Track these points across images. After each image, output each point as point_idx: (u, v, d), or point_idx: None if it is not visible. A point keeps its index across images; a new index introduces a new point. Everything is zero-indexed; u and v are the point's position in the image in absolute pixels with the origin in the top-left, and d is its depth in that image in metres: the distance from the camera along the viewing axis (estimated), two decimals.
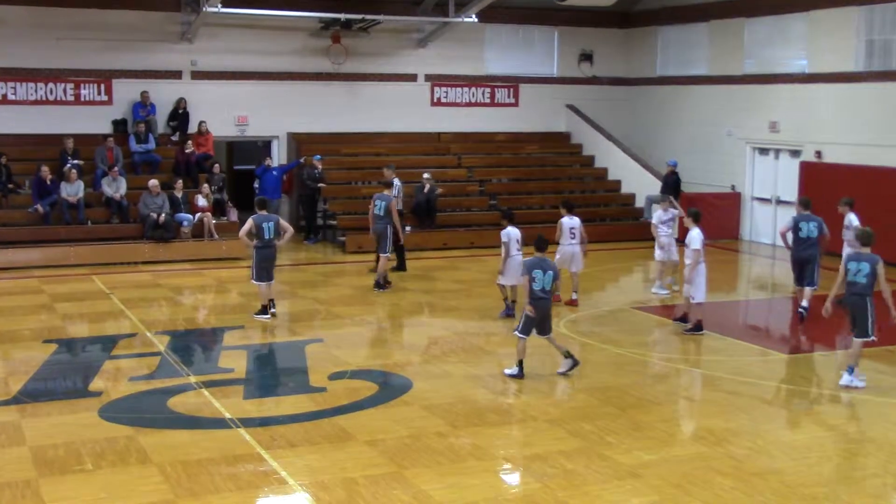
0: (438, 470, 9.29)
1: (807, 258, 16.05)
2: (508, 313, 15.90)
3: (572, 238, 16.89)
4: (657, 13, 28.35)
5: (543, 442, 10.12)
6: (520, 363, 12.41)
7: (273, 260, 15.86)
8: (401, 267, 20.08)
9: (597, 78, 29.04)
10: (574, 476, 9.16)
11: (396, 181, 20.67)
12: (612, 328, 15.47)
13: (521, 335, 12.37)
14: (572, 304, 17.00)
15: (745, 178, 25.50)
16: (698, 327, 14.81)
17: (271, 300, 15.92)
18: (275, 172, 24.50)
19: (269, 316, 15.71)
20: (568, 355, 12.56)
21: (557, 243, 16.81)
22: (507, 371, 12.51)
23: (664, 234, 17.87)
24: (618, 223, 25.94)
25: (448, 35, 26.61)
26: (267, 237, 15.60)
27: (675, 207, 18.31)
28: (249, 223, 15.64)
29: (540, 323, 12.37)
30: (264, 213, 15.87)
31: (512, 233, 15.81)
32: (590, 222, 25.40)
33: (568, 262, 16.94)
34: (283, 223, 15.90)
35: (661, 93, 28.21)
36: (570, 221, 16.88)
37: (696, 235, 14.68)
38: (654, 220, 18.26)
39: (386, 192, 18.82)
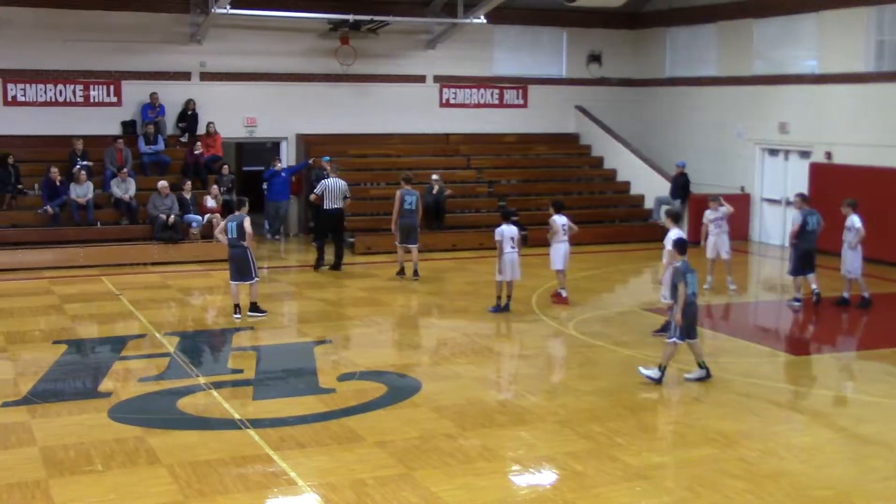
0: (448, 471, 9.28)
1: (812, 249, 16.97)
2: (497, 309, 16.02)
3: (564, 236, 17.12)
4: (666, 14, 28.32)
5: (552, 443, 10.11)
6: (662, 367, 12.23)
7: (237, 260, 15.74)
8: (337, 266, 20.54)
9: (605, 79, 29.02)
10: (583, 478, 9.14)
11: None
12: (621, 329, 15.45)
13: (678, 340, 12.21)
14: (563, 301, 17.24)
15: (754, 179, 25.46)
16: (666, 328, 14.78)
17: (252, 303, 15.83)
18: (283, 174, 24.54)
19: (238, 317, 15.71)
20: (702, 366, 12.39)
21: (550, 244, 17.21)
22: (647, 372, 12.32)
23: (714, 232, 18.17)
24: (627, 224, 25.92)
25: (457, 36, 26.61)
26: (230, 237, 15.66)
27: (723, 205, 18.40)
28: (222, 223, 16.06)
29: (689, 327, 12.27)
30: (235, 213, 15.94)
31: (506, 231, 16.03)
32: (599, 223, 25.60)
33: (562, 260, 17.15)
34: (246, 225, 15.57)
35: (671, 94, 28.17)
36: (561, 219, 17.11)
37: (672, 236, 14.63)
38: (704, 220, 18.50)
39: (410, 187, 19.86)
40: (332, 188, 20.25)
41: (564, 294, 17.22)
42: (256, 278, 15.97)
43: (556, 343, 14.75)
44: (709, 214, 18.36)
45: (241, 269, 15.78)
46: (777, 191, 24.90)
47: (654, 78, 28.78)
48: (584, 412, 11.10)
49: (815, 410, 11.62)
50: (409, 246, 19.72)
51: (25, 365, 13.04)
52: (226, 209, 22.68)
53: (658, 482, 9.05)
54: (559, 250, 17.06)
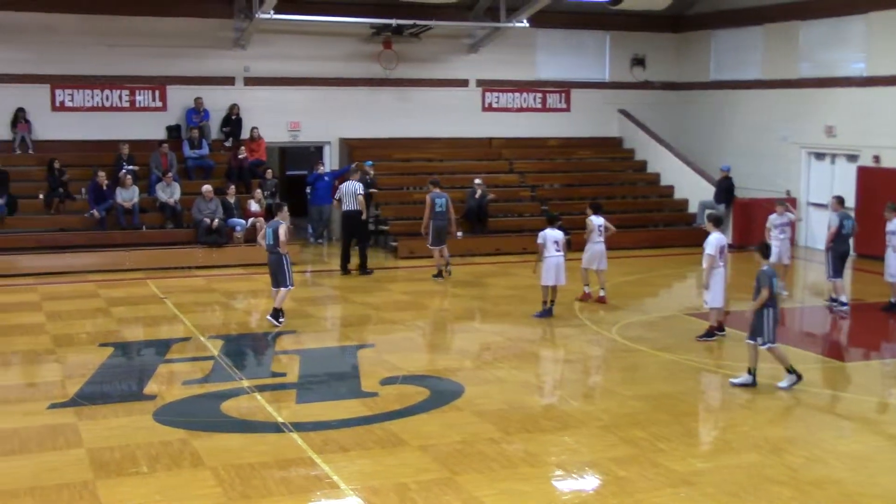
0: (491, 476, 9.27)
1: (848, 251, 17.32)
2: (544, 314, 15.99)
3: (600, 237, 17.30)
4: (710, 17, 28.12)
5: (595, 449, 10.06)
6: (752, 371, 12.17)
7: (272, 266, 15.70)
8: (363, 269, 20.69)
9: (649, 82, 28.88)
10: (626, 483, 9.09)
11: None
12: (665, 334, 15.34)
13: (769, 344, 12.15)
14: (601, 300, 17.37)
15: (800, 183, 25.19)
16: (710, 333, 14.71)
17: (274, 309, 15.70)
18: (326, 178, 24.64)
19: (279, 322, 15.67)
20: (791, 370, 12.31)
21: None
22: (737, 380, 12.23)
23: (778, 237, 18.12)
24: (670, 229, 25.74)
25: (499, 40, 26.60)
26: (267, 242, 15.65)
27: (790, 211, 18.39)
28: (263, 228, 16.10)
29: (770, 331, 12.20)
30: (273, 219, 15.95)
31: (549, 234, 16.03)
32: (641, 228, 25.46)
33: (597, 260, 17.31)
34: (281, 231, 15.49)
35: (715, 97, 27.96)
36: (598, 220, 17.33)
37: (712, 240, 14.53)
38: (768, 224, 18.49)
39: (439, 190, 20.27)
40: (347, 190, 20.51)
41: (589, 291, 17.56)
42: (290, 286, 15.80)
43: (599, 348, 14.68)
44: (774, 219, 18.33)
45: (276, 275, 15.72)
46: (823, 195, 24.55)
47: (697, 81, 28.58)
48: (627, 417, 11.04)
49: (864, 417, 11.46)
50: (444, 248, 20.18)
51: (73, 367, 13.19)
52: (269, 213, 22.83)
53: (701, 488, 8.98)
54: (593, 250, 17.25)
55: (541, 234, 16.23)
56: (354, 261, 20.69)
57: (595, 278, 17.59)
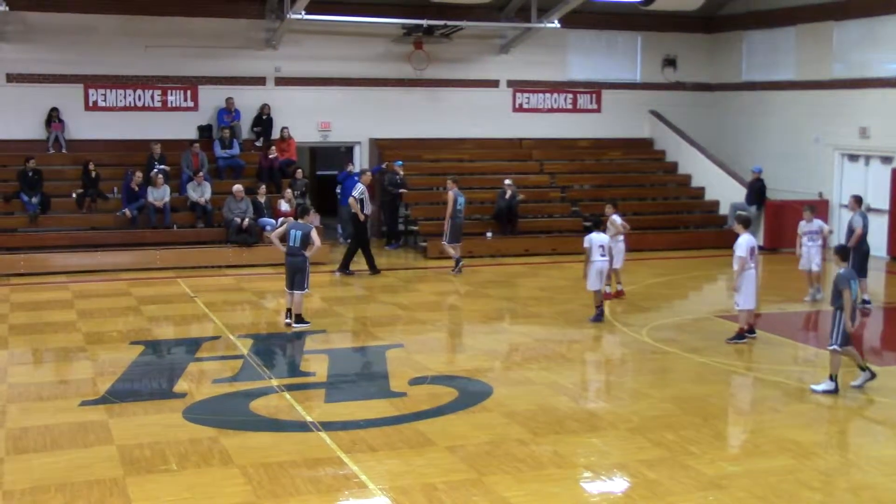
0: (519, 477, 9.24)
1: (869, 250, 17.54)
2: (598, 319, 15.89)
3: (620, 237, 17.46)
4: (743, 17, 27.94)
5: (625, 451, 10.02)
6: (834, 377, 12.04)
7: (295, 269, 15.48)
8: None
9: (680, 83, 28.75)
10: (656, 486, 9.04)
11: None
12: (695, 336, 15.26)
13: (840, 347, 12.07)
14: (620, 295, 17.67)
15: (833, 185, 24.98)
16: (741, 335, 14.60)
17: (296, 315, 15.57)
18: (356, 178, 24.66)
19: (288, 321, 15.57)
20: (864, 368, 12.22)
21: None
22: (819, 387, 12.09)
23: (806, 244, 17.98)
24: (701, 230, 25.59)
25: (530, 41, 26.56)
26: (291, 244, 15.51)
27: (817, 220, 18.26)
28: (283, 227, 15.93)
29: (844, 333, 12.14)
30: (300, 221, 15.82)
31: (595, 238, 15.83)
32: (672, 229, 25.34)
33: (615, 259, 17.25)
34: (314, 236, 15.46)
35: (747, 98, 27.78)
36: (618, 218, 17.47)
37: (742, 242, 14.42)
38: (799, 231, 18.32)
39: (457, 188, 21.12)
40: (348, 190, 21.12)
41: (617, 289, 17.67)
42: (307, 290, 15.74)
43: (629, 349, 14.61)
44: (802, 226, 18.17)
45: (297, 278, 15.49)
46: None
47: (729, 82, 28.42)
48: (657, 419, 10.99)
49: None
50: (458, 245, 21.16)
51: (104, 365, 13.29)
52: (300, 213, 22.89)
53: (732, 492, 8.91)
54: (616, 248, 17.22)
55: (587, 238, 16.06)
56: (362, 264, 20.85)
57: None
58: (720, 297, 19.89)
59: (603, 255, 15.87)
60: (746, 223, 14.82)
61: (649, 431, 10.54)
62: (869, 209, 23.61)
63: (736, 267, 14.43)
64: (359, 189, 20.86)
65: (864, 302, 16.92)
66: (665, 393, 12.10)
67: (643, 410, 11.38)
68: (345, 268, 20.67)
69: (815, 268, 18.01)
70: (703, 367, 13.37)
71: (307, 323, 15.63)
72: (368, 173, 21.92)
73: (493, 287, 19.62)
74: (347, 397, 11.99)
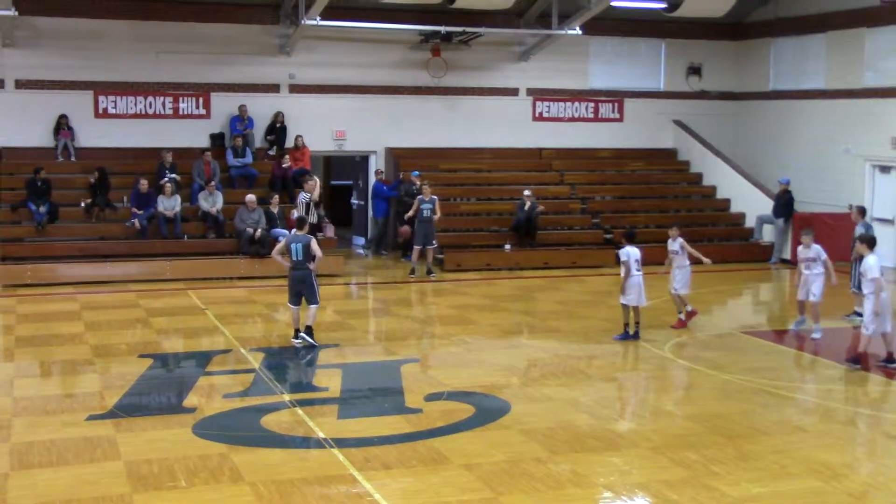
0: (536, 497, 9.23)
1: None
2: (625, 337, 15.82)
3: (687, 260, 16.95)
4: (771, 24, 27.90)
5: (646, 470, 9.99)
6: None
7: (302, 283, 15.23)
8: None
9: (706, 92, 28.69)
10: None
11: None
12: (720, 353, 15.21)
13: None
14: (692, 315, 17.06)
15: (864, 197, 24.85)
16: (856, 360, 14.19)
17: (308, 327, 15.34)
18: (386, 189, 24.73)
19: (298, 342, 15.29)
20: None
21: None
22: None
23: (803, 273, 16.40)
24: (726, 244, 25.51)
25: (551, 48, 26.58)
26: (294, 258, 15.22)
27: (815, 245, 16.43)
28: (282, 242, 15.57)
29: None
30: (299, 233, 15.48)
31: (631, 252, 15.78)
32: (697, 242, 25.11)
33: (682, 283, 16.90)
34: (314, 246, 15.22)
35: (774, 107, 27.72)
36: (635, 252, 16.15)
37: (873, 263, 13.89)
38: (798, 255, 16.90)
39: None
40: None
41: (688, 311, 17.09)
42: (319, 303, 15.53)
43: (651, 366, 14.58)
44: (800, 252, 16.67)
45: (305, 291, 15.30)
46: (889, 209, 24.27)
47: (756, 91, 28.36)
48: (680, 438, 10.95)
49: None
50: (429, 248, 22.02)
51: (112, 378, 13.34)
52: (313, 225, 22.93)
53: None
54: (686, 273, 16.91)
55: (622, 251, 15.90)
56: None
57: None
58: (745, 312, 19.83)
59: (639, 270, 15.84)
60: (872, 243, 14.26)
61: (671, 451, 10.50)
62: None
63: (867, 290, 13.85)
64: (303, 196, 20.92)
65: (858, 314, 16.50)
66: (688, 411, 12.07)
67: (665, 429, 11.35)
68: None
69: (812, 298, 16.32)
70: (728, 384, 13.33)
71: (313, 341, 15.28)
72: (311, 181, 21.56)
73: (511, 301, 19.61)
74: (361, 413, 11.99)
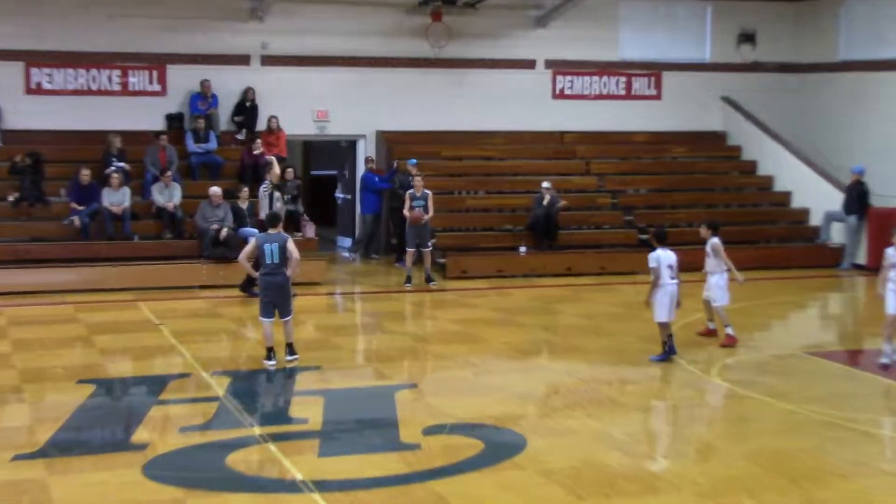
0: None
1: None
2: (663, 357, 15.70)
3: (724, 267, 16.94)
4: None
5: None
6: None
7: (276, 289, 15.12)
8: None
9: (760, 64, 28.69)
10: None
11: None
12: (780, 378, 15.13)
13: None
14: (710, 334, 17.11)
15: None
16: None
17: (289, 345, 15.38)
18: (377, 180, 24.68)
19: (272, 363, 15.17)
20: None
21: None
22: None
23: (893, 280, 15.78)
24: (786, 245, 25.54)
25: (574, 12, 26.60)
26: (269, 262, 15.08)
27: None
28: (251, 244, 15.45)
29: None
30: (273, 231, 15.33)
31: (662, 257, 15.63)
32: (750, 244, 25.20)
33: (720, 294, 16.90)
34: (290, 246, 15.08)
35: (845, 81, 27.74)
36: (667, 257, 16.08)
37: None
38: (884, 261, 16.22)
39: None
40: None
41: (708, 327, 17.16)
42: (292, 314, 15.53)
43: (697, 393, 14.52)
44: (890, 255, 15.88)
45: (281, 301, 15.20)
46: None
47: (822, 62, 28.39)
48: (733, 481, 10.86)
49: None
50: (424, 251, 22.10)
51: (44, 409, 13.23)
52: (290, 221, 22.87)
53: None
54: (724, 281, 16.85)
55: (652, 255, 15.78)
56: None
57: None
58: (811, 328, 19.77)
59: (673, 278, 15.70)
60: None
61: (722, 496, 10.41)
62: None
63: None
64: (262, 189, 20.96)
65: None
66: (742, 448, 11.98)
67: (714, 469, 11.28)
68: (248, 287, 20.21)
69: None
70: (791, 415, 13.24)
71: (296, 356, 15.48)
72: (271, 167, 21.64)
73: (527, 314, 19.58)
74: (347, 450, 11.92)
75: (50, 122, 23.97)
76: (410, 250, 22.08)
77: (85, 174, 22.19)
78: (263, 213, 19.58)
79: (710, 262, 16.80)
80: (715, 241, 16.79)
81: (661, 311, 15.65)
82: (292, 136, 25.55)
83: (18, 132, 23.70)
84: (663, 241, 15.97)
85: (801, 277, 23.22)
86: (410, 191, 22.14)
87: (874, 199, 24.75)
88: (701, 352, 16.39)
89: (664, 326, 15.82)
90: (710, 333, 17.11)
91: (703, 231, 17.02)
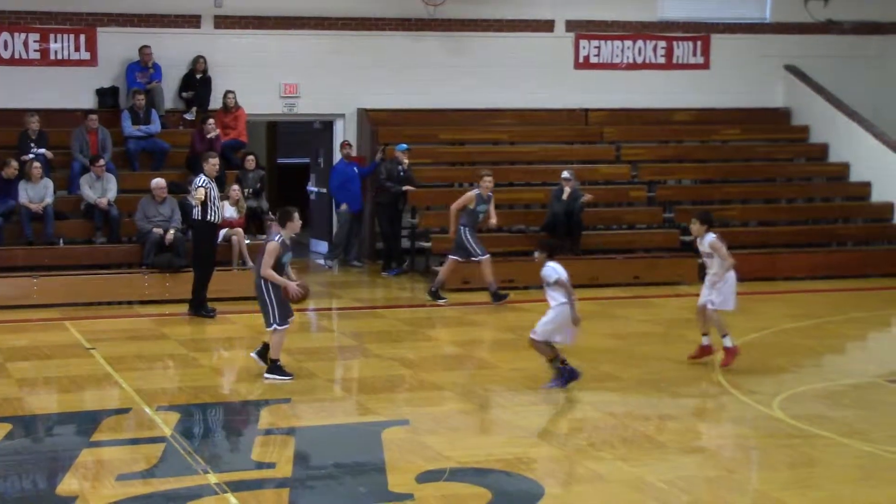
0: None
1: None
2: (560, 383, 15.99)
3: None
4: None
5: None
6: None
7: (257, 295, 16.01)
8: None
9: (834, 23, 28.71)
10: None
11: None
12: (857, 412, 15.17)
13: None
14: (707, 352, 17.27)
15: None
16: None
17: (275, 360, 16.13)
18: (356, 169, 24.74)
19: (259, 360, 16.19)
20: None
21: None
22: None
23: None
24: (865, 249, 25.58)
25: None
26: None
27: None
28: (276, 248, 15.75)
29: None
30: (284, 232, 15.90)
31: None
32: (823, 246, 25.26)
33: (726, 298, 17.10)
34: (268, 248, 15.65)
35: None
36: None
37: None
38: None
39: None
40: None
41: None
42: (276, 325, 15.95)
43: (753, 430, 14.57)
44: None
45: (260, 307, 15.92)
46: None
47: None
48: None
49: None
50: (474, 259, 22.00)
51: None
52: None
53: None
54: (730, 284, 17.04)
55: (706, 239, 16.18)
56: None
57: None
58: (895, 351, 19.82)
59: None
60: None
61: None
62: None
63: None
64: (200, 180, 20.18)
65: None
66: (810, 497, 12.05)
67: None
68: (198, 307, 20.47)
69: None
70: (870, 458, 13.28)
71: (288, 376, 15.94)
72: (210, 159, 20.84)
73: None
74: (323, 501, 11.98)
75: None
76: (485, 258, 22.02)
77: (13, 166, 22.11)
78: (196, 213, 19.72)
79: (712, 264, 16.91)
80: (712, 238, 16.91)
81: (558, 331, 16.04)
82: (253, 115, 25.64)
83: None
84: (711, 224, 16.26)
85: (883, 288, 23.26)
86: (477, 191, 21.93)
87: None
88: (758, 379, 16.46)
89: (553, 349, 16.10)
90: (706, 352, 17.22)
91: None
